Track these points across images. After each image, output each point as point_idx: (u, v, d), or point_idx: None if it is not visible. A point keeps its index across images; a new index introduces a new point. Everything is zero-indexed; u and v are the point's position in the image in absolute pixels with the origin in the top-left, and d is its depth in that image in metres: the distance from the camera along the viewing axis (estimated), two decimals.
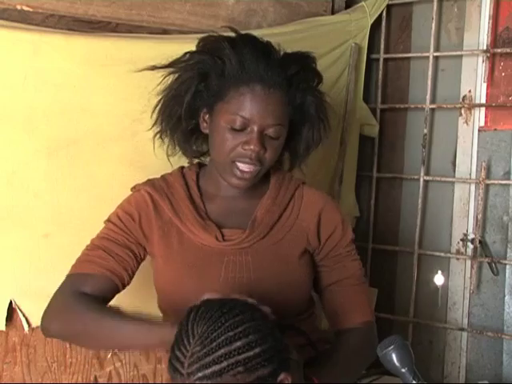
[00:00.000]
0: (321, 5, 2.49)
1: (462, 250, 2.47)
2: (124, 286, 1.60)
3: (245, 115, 1.51)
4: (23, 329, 1.86)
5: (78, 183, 1.87)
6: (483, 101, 2.43)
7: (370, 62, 2.62)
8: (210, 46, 1.59)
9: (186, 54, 1.61)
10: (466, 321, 2.48)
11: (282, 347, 1.26)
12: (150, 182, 1.66)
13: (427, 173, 2.53)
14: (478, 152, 2.44)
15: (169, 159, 1.70)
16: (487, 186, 2.40)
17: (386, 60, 2.66)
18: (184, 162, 1.74)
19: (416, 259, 2.52)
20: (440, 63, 2.56)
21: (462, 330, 2.47)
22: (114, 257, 1.57)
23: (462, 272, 2.48)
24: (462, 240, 2.47)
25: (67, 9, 1.85)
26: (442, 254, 2.51)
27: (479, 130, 2.44)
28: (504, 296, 2.40)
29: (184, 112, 1.60)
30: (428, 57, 2.49)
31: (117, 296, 1.60)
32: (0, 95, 1.74)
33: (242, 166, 1.54)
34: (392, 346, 1.31)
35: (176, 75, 1.61)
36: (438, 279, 2.42)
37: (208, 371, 1.15)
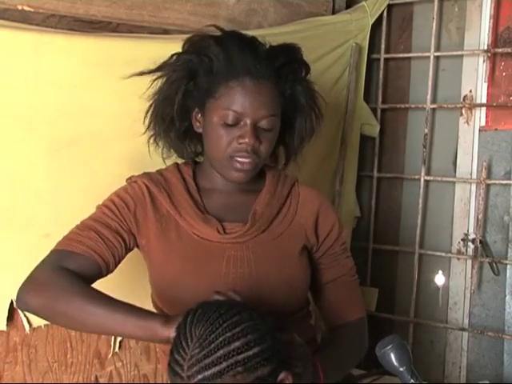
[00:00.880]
0: (321, 5, 2.49)
1: (463, 249, 2.48)
2: (107, 273, 1.56)
3: (237, 109, 1.51)
4: (24, 329, 1.86)
5: (79, 183, 1.87)
6: (484, 101, 2.43)
7: (371, 62, 2.63)
8: (196, 46, 1.59)
9: (172, 55, 1.61)
10: (466, 321, 2.48)
11: (281, 346, 1.26)
12: (147, 175, 1.65)
13: (428, 173, 2.54)
14: (478, 152, 2.45)
15: (164, 162, 1.71)
16: (488, 185, 2.40)
17: (386, 60, 2.66)
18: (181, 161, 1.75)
19: (417, 259, 2.52)
20: (441, 63, 2.56)
21: (463, 330, 2.47)
22: (105, 241, 1.53)
23: (463, 272, 2.48)
24: (462, 240, 2.48)
25: (68, 9, 1.85)
26: (443, 254, 2.51)
27: (480, 130, 2.45)
28: (505, 296, 2.40)
29: (176, 113, 1.60)
30: (429, 57, 2.49)
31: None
32: (0, 95, 1.74)
33: (241, 159, 1.54)
34: (390, 346, 1.31)
35: (165, 78, 1.62)
36: (439, 279, 2.42)
37: (208, 373, 1.15)
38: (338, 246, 1.71)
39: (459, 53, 2.48)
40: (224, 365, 1.15)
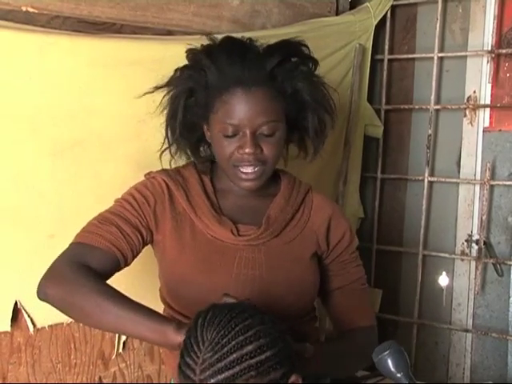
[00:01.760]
0: (325, 6, 2.49)
1: (467, 250, 2.47)
2: (125, 266, 1.57)
3: (233, 122, 1.51)
4: (28, 329, 1.86)
5: (83, 184, 1.87)
6: (488, 101, 2.43)
7: (375, 63, 2.63)
8: (193, 60, 1.60)
9: (176, 70, 1.62)
10: (470, 322, 2.48)
11: (292, 349, 1.26)
12: (166, 172, 1.65)
13: (432, 174, 2.53)
14: (482, 153, 2.45)
15: (170, 163, 1.71)
16: (492, 186, 2.40)
17: (390, 61, 2.66)
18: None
19: (420, 260, 2.52)
20: (444, 64, 2.56)
21: (467, 331, 2.47)
22: (125, 236, 1.54)
23: (467, 273, 2.48)
24: (466, 241, 2.48)
25: (72, 10, 1.85)
26: (447, 255, 2.51)
27: (484, 131, 2.44)
28: (509, 297, 2.40)
29: (180, 127, 1.61)
30: (432, 57, 2.49)
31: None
32: (5, 96, 1.74)
33: (244, 170, 1.55)
34: (387, 352, 1.30)
35: (170, 93, 1.63)
36: (443, 280, 2.42)
37: (221, 377, 1.14)
38: (348, 255, 1.71)
39: (463, 54, 2.48)
40: (237, 369, 1.15)
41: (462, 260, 2.49)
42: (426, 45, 2.58)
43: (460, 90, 2.50)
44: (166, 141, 1.66)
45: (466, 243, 2.48)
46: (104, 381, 2.03)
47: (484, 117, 2.44)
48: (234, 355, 1.15)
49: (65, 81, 1.81)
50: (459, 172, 2.51)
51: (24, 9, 1.77)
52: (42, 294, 1.47)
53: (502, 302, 2.42)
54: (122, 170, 1.92)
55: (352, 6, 2.56)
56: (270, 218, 1.61)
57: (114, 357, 2.04)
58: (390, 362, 1.30)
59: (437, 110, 2.54)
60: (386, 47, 2.63)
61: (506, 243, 2.40)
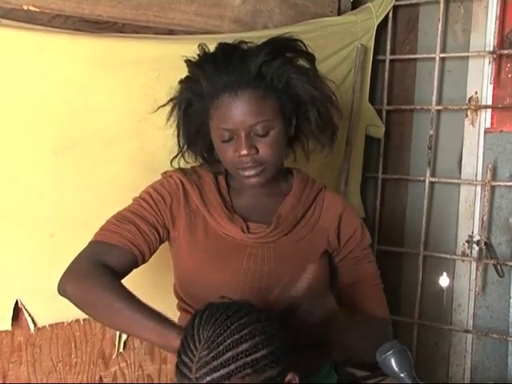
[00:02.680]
0: (327, 6, 2.49)
1: (468, 251, 2.48)
2: (143, 263, 1.62)
3: (226, 127, 1.54)
4: (29, 328, 1.86)
5: (84, 183, 1.87)
6: (489, 102, 2.43)
7: (376, 63, 2.63)
8: (189, 71, 1.63)
9: (180, 81, 1.65)
10: (471, 322, 2.48)
11: (289, 347, 1.26)
12: (182, 171, 1.70)
13: (433, 174, 2.53)
14: (483, 153, 2.45)
15: (171, 163, 1.72)
16: (493, 187, 2.40)
17: (392, 61, 2.66)
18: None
19: (421, 261, 2.52)
20: (446, 64, 2.56)
21: (467, 331, 2.47)
22: (143, 234, 1.58)
23: (468, 274, 2.48)
24: (467, 242, 2.48)
25: (73, 9, 1.85)
26: (448, 256, 2.51)
27: (485, 132, 2.44)
28: (509, 298, 2.40)
29: (186, 137, 1.67)
30: (434, 58, 2.49)
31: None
32: (6, 95, 1.74)
33: (245, 172, 1.57)
34: (391, 351, 1.30)
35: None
36: (444, 281, 2.42)
37: (216, 375, 1.15)
38: (360, 251, 1.71)
39: (465, 54, 2.47)
40: (232, 367, 1.15)
41: (463, 261, 2.49)
42: (428, 45, 2.58)
43: (462, 90, 2.50)
44: (178, 149, 1.70)
45: (466, 244, 2.48)
46: (104, 380, 2.03)
47: (485, 117, 2.44)
48: (230, 353, 1.16)
49: (65, 80, 1.81)
50: (460, 173, 2.51)
51: (25, 7, 1.77)
52: (62, 290, 1.52)
53: (503, 303, 2.42)
54: (123, 169, 1.92)
55: (354, 6, 2.56)
56: (280, 216, 1.63)
57: (114, 356, 2.04)
58: (393, 362, 1.30)
59: (438, 111, 2.54)
60: (388, 47, 2.63)
61: (507, 244, 2.40)
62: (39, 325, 1.88)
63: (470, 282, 2.47)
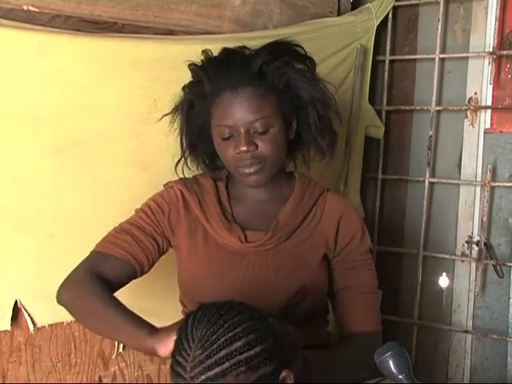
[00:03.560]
0: (327, 6, 2.48)
1: (467, 252, 2.47)
2: (142, 274, 1.64)
3: (226, 123, 1.57)
4: (28, 329, 1.86)
5: (84, 184, 1.87)
6: (489, 103, 2.42)
7: (376, 64, 2.62)
8: (192, 75, 1.67)
9: (183, 87, 1.68)
10: (470, 323, 2.48)
11: (282, 345, 1.26)
12: (183, 181, 1.71)
13: (432, 175, 2.53)
14: (483, 154, 2.44)
15: (175, 169, 1.73)
16: (492, 188, 2.40)
17: (391, 62, 2.66)
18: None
19: (421, 261, 2.52)
20: (446, 65, 2.56)
21: (467, 332, 2.47)
22: (139, 243, 1.61)
23: (467, 274, 2.48)
24: (466, 242, 2.47)
25: (73, 9, 1.85)
26: (447, 256, 2.51)
27: (485, 132, 2.44)
28: (509, 298, 2.40)
29: (188, 140, 1.69)
30: (434, 58, 2.49)
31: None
32: (5, 95, 1.74)
33: (245, 169, 1.59)
34: (389, 353, 1.30)
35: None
36: (443, 281, 2.42)
37: (211, 373, 1.15)
38: (358, 255, 1.70)
39: (464, 55, 2.47)
40: (227, 365, 1.16)
41: (463, 261, 2.49)
42: (428, 46, 2.57)
43: (461, 91, 2.50)
44: (181, 153, 1.72)
45: (466, 244, 2.48)
46: (104, 380, 2.03)
47: (485, 118, 2.44)
48: (224, 351, 1.16)
49: (65, 80, 1.81)
50: (460, 173, 2.51)
51: (25, 7, 1.77)
52: (58, 297, 1.56)
53: (502, 304, 2.42)
54: (123, 170, 1.92)
55: (354, 7, 2.56)
56: (278, 223, 1.64)
57: (114, 356, 2.04)
58: (391, 363, 1.29)
59: (438, 111, 2.54)
60: (388, 48, 2.62)
61: (507, 245, 2.40)
62: (39, 325, 1.88)
63: (469, 283, 2.47)
